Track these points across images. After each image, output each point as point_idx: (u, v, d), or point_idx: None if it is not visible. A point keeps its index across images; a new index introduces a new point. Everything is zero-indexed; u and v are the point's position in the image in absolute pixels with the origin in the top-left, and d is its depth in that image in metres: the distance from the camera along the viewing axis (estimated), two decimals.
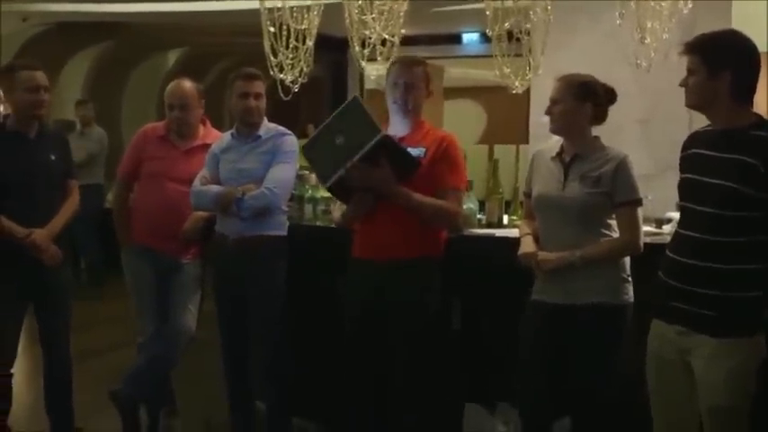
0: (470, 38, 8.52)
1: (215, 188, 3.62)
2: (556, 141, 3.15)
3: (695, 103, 2.64)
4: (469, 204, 3.74)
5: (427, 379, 3.30)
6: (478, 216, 3.93)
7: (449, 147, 3.31)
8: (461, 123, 10.85)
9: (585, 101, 3.05)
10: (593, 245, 3.02)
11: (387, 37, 4.61)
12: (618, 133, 3.41)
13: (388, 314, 3.27)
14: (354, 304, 3.37)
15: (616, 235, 3.05)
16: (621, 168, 3.01)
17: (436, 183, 3.25)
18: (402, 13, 4.67)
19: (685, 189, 2.68)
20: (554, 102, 3.09)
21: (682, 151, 2.75)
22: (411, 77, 3.31)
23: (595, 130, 3.13)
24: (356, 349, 3.38)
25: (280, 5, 4.81)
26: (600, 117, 3.12)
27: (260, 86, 3.69)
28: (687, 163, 2.71)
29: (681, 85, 2.64)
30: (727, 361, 2.55)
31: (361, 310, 3.35)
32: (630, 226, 3.02)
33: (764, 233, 2.53)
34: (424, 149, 3.28)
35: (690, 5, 3.88)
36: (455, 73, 10.96)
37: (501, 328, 3.47)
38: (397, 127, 3.36)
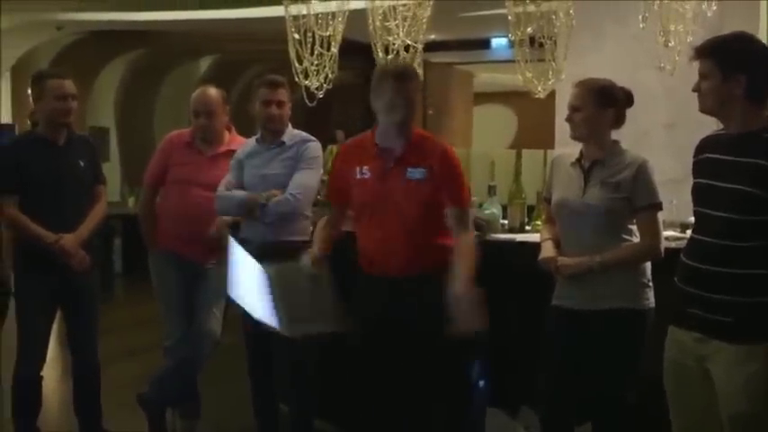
0: (499, 43, 8.50)
1: (240, 193, 3.66)
2: (575, 147, 3.15)
3: (709, 107, 2.60)
4: (493, 209, 3.74)
5: (450, 385, 3.30)
6: (502, 221, 3.93)
7: (451, 162, 3.18)
8: (492, 128, 10.86)
9: (607, 107, 3.05)
10: (612, 250, 3.01)
11: (410, 43, 4.62)
12: (644, 137, 3.41)
13: (403, 328, 3.14)
14: (367, 320, 3.22)
15: (636, 239, 3.04)
16: (641, 173, 3.01)
17: (444, 202, 3.13)
18: (425, 19, 4.68)
19: (699, 194, 2.66)
20: (574, 109, 3.08)
21: (694, 156, 2.73)
22: (409, 93, 3.10)
23: (622, 135, 3.12)
24: (370, 363, 3.26)
25: (305, 12, 4.85)
26: (619, 121, 3.11)
27: (283, 94, 3.71)
28: (700, 168, 2.69)
29: (694, 90, 2.62)
30: (747, 367, 2.51)
31: (373, 326, 3.21)
32: (651, 230, 3.01)
33: None
34: (424, 170, 3.12)
35: (714, 7, 3.85)
36: (485, 78, 10.97)
37: (523, 333, 3.47)
38: (388, 140, 3.15)
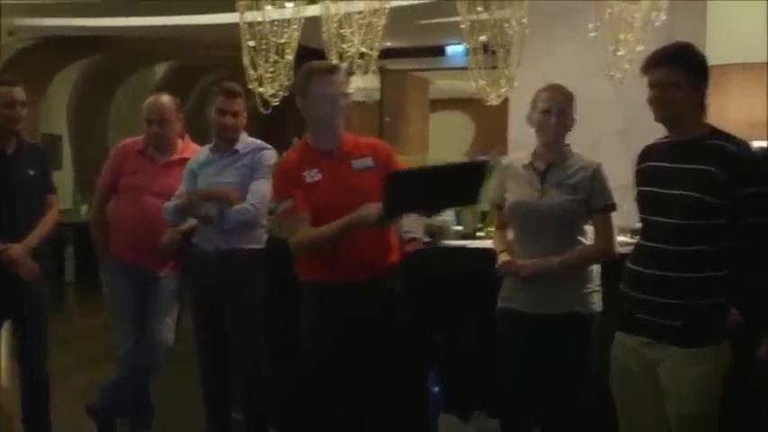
0: (455, 50, 8.55)
1: (174, 202, 3.63)
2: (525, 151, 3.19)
3: (675, 115, 2.63)
4: (445, 216, 3.76)
5: (404, 391, 3.29)
6: (457, 227, 3.95)
7: (387, 150, 3.17)
8: (449, 135, 10.91)
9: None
10: (570, 251, 3.05)
11: (365, 50, 4.63)
12: (597, 144, 3.45)
13: (360, 332, 3.08)
14: (326, 326, 3.12)
15: (589, 241, 3.09)
16: (598, 174, 3.09)
17: None
18: (381, 27, 4.69)
19: (646, 201, 2.71)
20: (562, 112, 3.11)
21: (637, 165, 2.78)
22: (341, 88, 3.04)
23: (575, 141, 3.17)
24: (329, 370, 3.16)
25: (260, 19, 4.83)
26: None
27: (239, 103, 3.68)
28: (645, 176, 2.73)
29: (653, 99, 2.63)
30: (695, 369, 2.56)
31: (333, 331, 3.11)
32: (606, 232, 3.08)
33: (726, 240, 2.55)
34: (367, 160, 3.08)
35: (663, 17, 3.91)
36: (442, 85, 11.03)
37: (476, 338, 3.49)
38: (329, 139, 3.08)
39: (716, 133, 2.63)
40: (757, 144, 3.39)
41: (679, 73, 2.59)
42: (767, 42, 3.72)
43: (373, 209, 2.83)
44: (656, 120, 2.67)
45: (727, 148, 2.56)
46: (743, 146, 2.60)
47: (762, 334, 2.64)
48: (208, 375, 3.75)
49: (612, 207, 3.10)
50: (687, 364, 2.57)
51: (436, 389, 3.67)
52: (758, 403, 2.69)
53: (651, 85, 2.63)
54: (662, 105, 2.61)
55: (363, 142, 3.15)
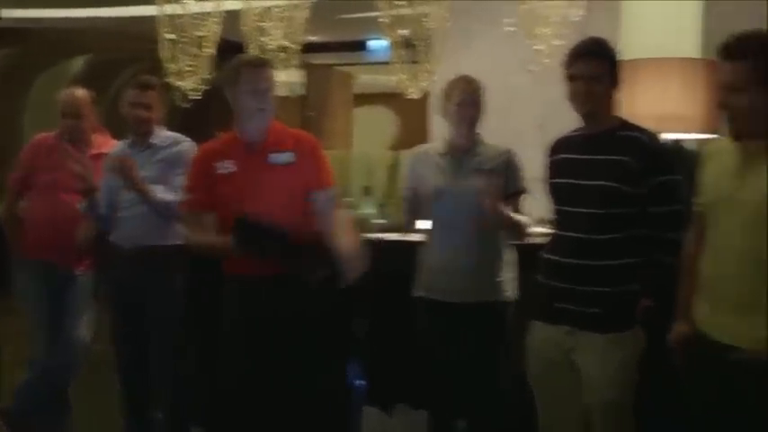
0: (377, 44, 8.57)
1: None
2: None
3: (597, 108, 2.69)
4: (367, 210, 3.77)
5: (326, 385, 3.29)
6: (379, 221, 3.97)
7: (312, 146, 3.13)
8: (373, 129, 10.93)
9: None
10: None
11: (287, 44, 4.61)
12: (517, 137, 3.49)
13: (279, 325, 3.11)
14: (240, 322, 3.10)
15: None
16: (513, 160, 3.18)
17: (311, 185, 3.06)
18: (302, 21, 4.68)
19: (561, 193, 2.76)
20: (475, 104, 3.18)
21: (549, 157, 2.84)
22: (270, 82, 3.04)
23: (496, 134, 3.22)
24: (248, 363, 3.12)
25: (180, 12, 4.76)
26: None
27: (152, 96, 3.62)
28: (558, 168, 2.79)
29: (577, 92, 2.67)
30: (615, 355, 2.64)
31: (252, 324, 3.09)
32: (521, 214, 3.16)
33: (640, 227, 2.64)
34: (286, 155, 3.05)
35: (580, 13, 4.00)
36: (366, 79, 11.03)
37: (398, 331, 3.50)
38: (256, 133, 3.04)
39: (627, 125, 2.72)
40: (666, 136, 3.49)
41: (603, 67, 2.66)
42: (676, 38, 3.84)
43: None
44: (580, 113, 2.72)
45: (640, 139, 2.66)
46: (653, 137, 2.70)
47: (671, 319, 2.73)
48: (127, 374, 3.68)
49: (525, 191, 3.20)
50: (607, 350, 2.64)
51: (358, 382, 3.68)
52: (669, 388, 2.77)
53: (574, 77, 2.68)
54: (588, 98, 2.67)
55: (289, 136, 3.10)
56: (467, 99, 3.14)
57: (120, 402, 3.73)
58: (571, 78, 2.69)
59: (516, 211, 3.15)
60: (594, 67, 2.65)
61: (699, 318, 2.56)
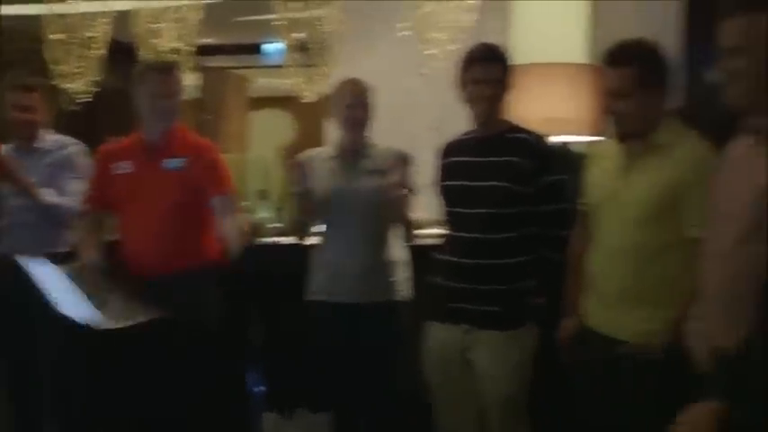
0: (272, 48, 8.51)
1: None
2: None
3: (494, 112, 2.77)
4: (264, 213, 3.75)
5: (219, 391, 3.26)
6: (276, 224, 3.95)
7: (210, 152, 3.20)
8: (270, 133, 10.83)
9: None
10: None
11: (181, 46, 4.54)
12: (412, 140, 3.52)
13: (169, 330, 3.11)
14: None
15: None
16: (405, 160, 3.14)
17: (206, 192, 3.12)
18: (196, 23, 4.61)
19: (454, 195, 2.82)
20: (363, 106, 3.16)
21: (441, 160, 2.90)
22: (173, 87, 3.13)
23: (391, 138, 3.22)
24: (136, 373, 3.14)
25: (69, 11, 4.62)
26: None
27: (34, 99, 3.53)
28: (450, 171, 2.85)
29: (478, 95, 2.74)
30: (510, 351, 2.72)
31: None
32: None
33: (533, 226, 2.73)
34: (183, 159, 3.12)
35: (472, 17, 4.08)
36: (263, 82, 10.93)
37: (296, 335, 3.49)
38: (156, 136, 3.14)
39: (516, 128, 2.81)
40: (553, 138, 3.60)
41: (501, 71, 2.74)
42: (564, 44, 3.97)
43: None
44: (476, 116, 2.78)
45: (529, 141, 2.75)
46: (541, 139, 2.80)
47: (561, 315, 2.82)
48: (17, 391, 3.55)
49: (414, 191, 3.15)
50: (503, 347, 2.71)
51: (257, 388, 3.66)
52: (560, 384, 2.86)
53: (474, 81, 2.74)
54: (489, 102, 2.75)
55: (189, 142, 3.17)
56: (355, 101, 3.14)
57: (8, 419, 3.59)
58: (470, 82, 2.75)
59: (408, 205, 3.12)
60: (492, 71, 2.73)
61: (586, 313, 2.66)
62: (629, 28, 3.71)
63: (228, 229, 3.05)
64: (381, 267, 3.12)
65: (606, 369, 2.54)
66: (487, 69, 2.73)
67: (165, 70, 3.13)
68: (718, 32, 2.02)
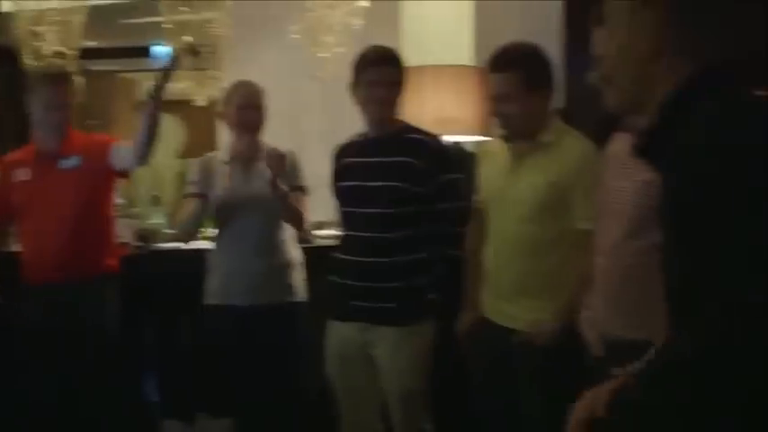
0: (160, 51, 8.36)
1: None
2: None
3: (389, 114, 2.83)
4: (156, 219, 3.70)
5: (117, 398, 3.21)
6: (169, 230, 3.89)
7: (102, 145, 3.25)
8: (161, 138, 10.63)
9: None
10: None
11: (63, 49, 4.41)
12: (304, 143, 3.54)
13: (68, 336, 3.09)
14: (30, 329, 3.15)
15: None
16: (293, 160, 3.15)
17: (106, 199, 3.21)
18: (80, 25, 4.49)
19: (349, 195, 2.87)
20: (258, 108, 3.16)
21: (335, 162, 2.94)
22: (64, 96, 3.18)
23: (283, 141, 3.20)
24: (35, 376, 3.15)
25: None
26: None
27: None
28: (345, 171, 2.89)
29: (379, 98, 2.77)
30: (410, 346, 2.77)
31: (41, 336, 3.12)
32: (303, 205, 3.15)
33: (428, 224, 2.79)
34: (79, 158, 3.18)
35: (360, 21, 4.12)
36: (150, 86, 10.71)
37: (193, 339, 3.47)
38: (49, 142, 3.20)
39: (410, 128, 2.86)
40: (447, 138, 3.69)
41: (395, 73, 2.79)
42: (451, 47, 4.06)
43: None
44: (373, 118, 2.82)
45: (424, 141, 2.81)
46: (436, 139, 2.87)
47: (459, 309, 2.91)
48: None
49: (306, 190, 3.18)
50: (403, 342, 2.76)
51: (155, 395, 3.61)
52: (460, 375, 2.95)
53: (370, 83, 2.77)
54: (383, 103, 2.79)
55: (81, 141, 3.23)
56: (246, 104, 3.13)
57: None
58: (364, 84, 2.79)
59: (301, 204, 3.13)
60: (386, 73, 2.77)
61: (483, 305, 2.76)
62: (512, 30, 3.84)
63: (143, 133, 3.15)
64: (277, 270, 3.13)
65: (502, 357, 2.64)
66: (381, 72, 2.77)
67: (58, 81, 3.17)
68: (591, 40, 2.14)
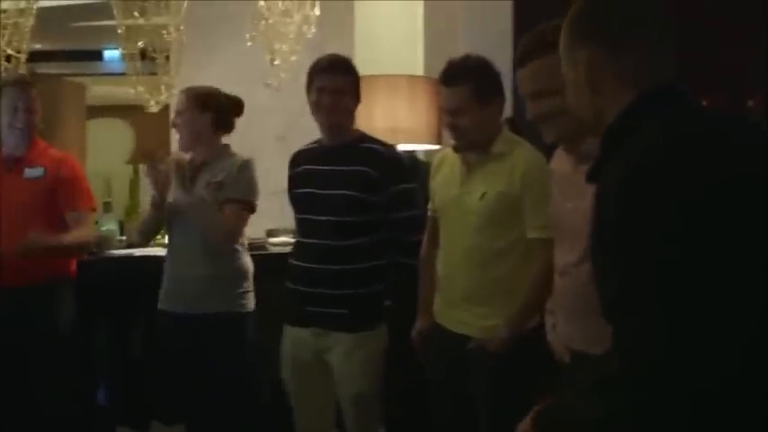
0: (112, 55, 8.27)
1: None
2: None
3: (342, 121, 2.85)
4: (109, 226, 3.68)
5: (67, 405, 3.18)
6: (119, 237, 3.87)
7: (69, 167, 3.27)
8: (109, 142, 10.51)
9: (206, 110, 3.10)
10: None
11: (11, 52, 4.36)
12: (258, 150, 3.55)
13: (18, 343, 3.06)
14: None
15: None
16: (243, 169, 3.06)
17: (62, 206, 3.20)
18: (28, 28, 4.43)
19: (303, 202, 2.89)
20: (178, 113, 3.15)
21: (291, 169, 2.96)
22: (27, 101, 3.20)
23: (237, 147, 3.20)
24: None
25: None
26: (225, 126, 3.18)
27: None
28: (300, 178, 2.92)
29: (327, 104, 2.80)
30: (363, 351, 2.81)
31: None
32: (234, 217, 3.02)
33: (383, 232, 2.83)
34: (42, 169, 3.21)
35: (313, 29, 4.16)
36: (100, 90, 10.57)
37: (145, 346, 3.46)
38: (13, 149, 3.23)
39: (366, 138, 2.90)
40: (400, 147, 3.74)
41: (346, 81, 2.82)
42: (403, 57, 4.13)
43: None
44: (324, 124, 2.84)
45: (379, 151, 2.84)
46: (391, 149, 2.91)
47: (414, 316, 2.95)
48: None
49: (247, 205, 3.05)
50: (356, 347, 2.80)
51: (108, 401, 3.58)
52: (415, 380, 2.99)
53: (321, 90, 2.80)
54: (333, 111, 2.81)
55: (51, 155, 3.26)
56: (176, 111, 3.15)
57: None
58: (315, 91, 2.81)
59: (229, 215, 3.02)
60: (337, 81, 2.80)
61: (436, 312, 2.81)
62: (463, 40, 3.90)
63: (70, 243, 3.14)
64: (222, 278, 3.06)
65: (456, 363, 2.69)
66: (330, 79, 2.80)
67: (19, 84, 3.21)
68: (517, 82, 2.19)
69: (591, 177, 1.45)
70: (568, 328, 2.24)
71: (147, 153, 3.07)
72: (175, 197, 3.03)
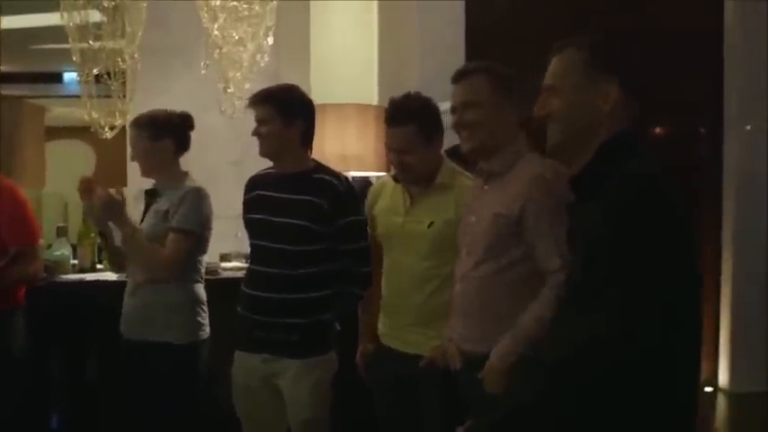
0: (72, 77, 8.27)
1: None
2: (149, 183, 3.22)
3: (271, 150, 2.87)
4: (62, 251, 3.69)
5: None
6: (72, 261, 3.88)
7: (14, 200, 3.25)
8: (68, 165, 10.45)
9: (164, 137, 3.13)
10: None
11: None
12: (214, 175, 3.59)
13: None
14: None
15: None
16: (188, 197, 3.06)
17: (5, 240, 3.19)
18: None
19: (257, 228, 2.92)
20: (133, 147, 3.17)
21: (246, 193, 3.00)
22: None
23: (193, 172, 3.22)
24: None
25: None
26: (185, 146, 3.22)
27: None
28: (254, 204, 2.94)
29: (253, 135, 2.87)
30: (310, 378, 2.85)
31: None
32: (171, 246, 3.01)
33: (331, 263, 2.86)
34: None
35: (267, 58, 4.22)
36: (60, 112, 10.52)
37: (101, 370, 3.46)
38: None
39: (320, 168, 2.92)
40: (350, 174, 3.81)
41: (269, 111, 2.82)
42: (356, 86, 4.21)
43: None
44: (262, 152, 2.88)
45: (331, 182, 2.86)
46: (343, 180, 2.92)
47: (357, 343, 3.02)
48: None
49: (187, 233, 3.03)
50: (304, 374, 2.83)
51: (61, 429, 3.58)
52: (362, 404, 3.05)
53: (255, 120, 2.86)
54: (260, 141, 2.86)
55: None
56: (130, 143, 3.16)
57: None
58: (256, 120, 2.87)
59: (170, 242, 3.02)
60: (261, 112, 2.83)
61: (383, 334, 2.88)
62: (414, 71, 3.99)
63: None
64: (156, 307, 3.06)
65: (405, 383, 2.80)
66: (258, 110, 2.85)
67: None
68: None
69: (588, 189, 1.78)
70: (465, 330, 2.50)
71: (85, 181, 3.03)
72: (144, 226, 3.07)
